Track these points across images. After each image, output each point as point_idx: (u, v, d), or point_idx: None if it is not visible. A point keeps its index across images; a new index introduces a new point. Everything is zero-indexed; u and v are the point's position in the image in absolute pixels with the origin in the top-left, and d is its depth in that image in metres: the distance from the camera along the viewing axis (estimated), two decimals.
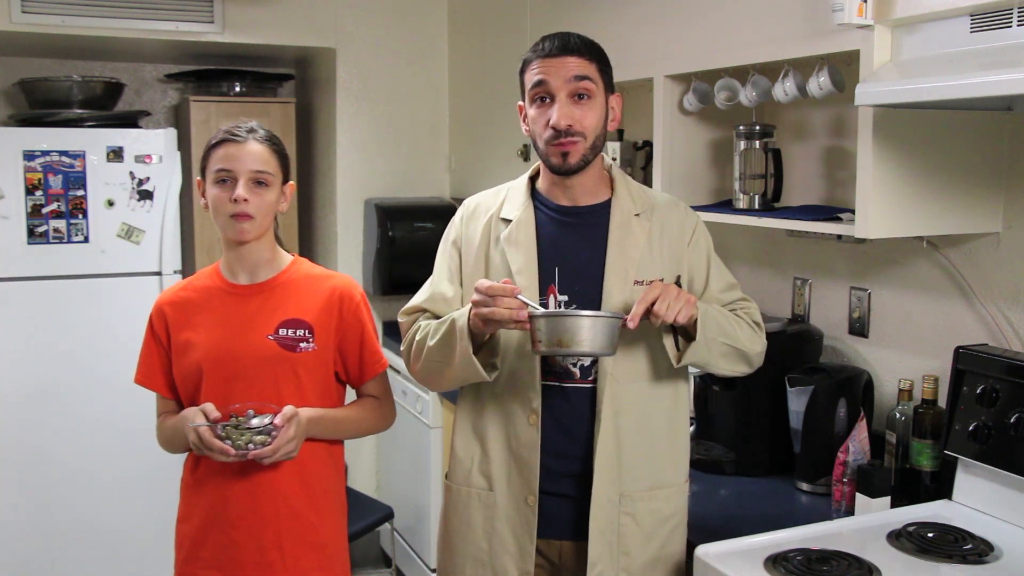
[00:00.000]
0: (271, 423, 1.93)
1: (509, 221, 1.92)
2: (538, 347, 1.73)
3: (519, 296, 1.73)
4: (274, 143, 2.05)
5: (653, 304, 1.73)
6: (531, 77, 1.85)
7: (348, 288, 2.12)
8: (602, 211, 1.92)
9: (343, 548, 2.15)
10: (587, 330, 1.69)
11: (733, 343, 1.87)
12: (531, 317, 1.72)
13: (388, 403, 2.18)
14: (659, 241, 1.91)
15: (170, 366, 2.09)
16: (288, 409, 1.96)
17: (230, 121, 2.06)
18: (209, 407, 1.94)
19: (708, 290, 1.94)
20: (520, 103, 1.93)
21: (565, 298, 1.87)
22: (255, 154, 2.00)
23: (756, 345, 1.92)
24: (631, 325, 1.73)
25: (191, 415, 1.96)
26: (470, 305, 1.79)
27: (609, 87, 1.89)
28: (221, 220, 2.01)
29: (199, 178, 2.08)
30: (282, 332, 2.03)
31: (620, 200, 1.92)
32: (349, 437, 2.16)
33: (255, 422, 1.94)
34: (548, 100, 1.83)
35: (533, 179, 1.99)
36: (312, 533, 2.06)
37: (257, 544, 2.01)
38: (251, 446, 1.92)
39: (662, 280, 1.85)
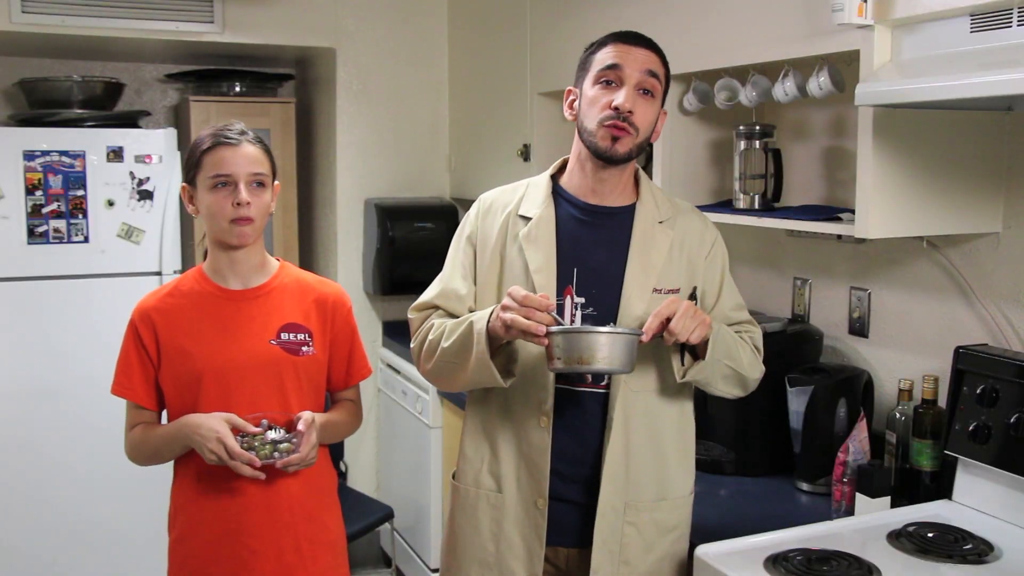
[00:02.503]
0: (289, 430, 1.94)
1: (528, 219, 1.88)
2: (555, 363, 1.69)
3: (551, 313, 1.69)
4: (263, 144, 2.04)
5: (668, 320, 1.71)
6: (604, 58, 1.82)
7: (340, 295, 2.14)
8: (626, 214, 1.89)
9: (346, 544, 2.19)
10: (606, 347, 1.65)
11: (736, 367, 1.85)
12: (548, 333, 1.67)
13: (360, 407, 2.22)
14: (679, 250, 1.89)
15: (155, 375, 2.03)
16: (307, 415, 1.96)
17: (220, 123, 2.04)
18: (234, 417, 1.91)
19: (719, 306, 1.92)
20: (570, 87, 1.90)
21: (582, 300, 1.84)
22: (251, 156, 1.98)
23: (755, 372, 1.92)
24: (644, 339, 1.71)
25: (212, 424, 1.90)
26: (490, 308, 1.76)
27: (664, 99, 1.88)
28: (221, 225, 1.97)
29: (184, 184, 2.04)
30: (284, 336, 2.02)
31: (645, 205, 1.90)
32: (333, 441, 2.16)
33: (271, 435, 1.93)
34: (614, 84, 1.81)
35: (554, 177, 1.95)
36: (325, 532, 2.08)
37: (276, 551, 2.00)
38: (276, 455, 1.91)
39: (678, 291, 1.84)
